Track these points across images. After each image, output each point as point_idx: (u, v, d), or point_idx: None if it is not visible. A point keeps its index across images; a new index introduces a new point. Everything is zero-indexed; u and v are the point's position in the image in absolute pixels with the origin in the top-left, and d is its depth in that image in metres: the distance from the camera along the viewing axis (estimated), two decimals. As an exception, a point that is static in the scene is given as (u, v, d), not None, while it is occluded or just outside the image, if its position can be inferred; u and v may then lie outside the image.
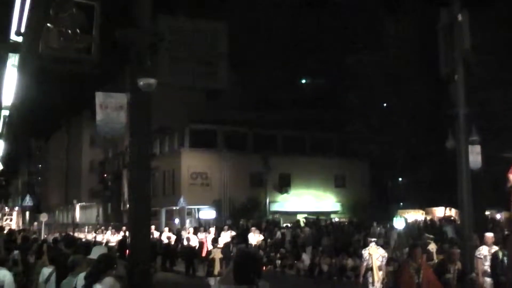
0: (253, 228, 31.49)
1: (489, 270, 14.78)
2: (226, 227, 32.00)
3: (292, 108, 50.63)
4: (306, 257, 29.18)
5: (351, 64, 40.63)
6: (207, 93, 50.85)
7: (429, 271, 10.89)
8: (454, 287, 11.77)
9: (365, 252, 16.31)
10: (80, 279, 8.21)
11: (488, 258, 15.26)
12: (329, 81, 54.66)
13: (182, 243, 33.34)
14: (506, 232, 21.82)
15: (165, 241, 33.46)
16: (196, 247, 30.36)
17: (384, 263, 16.34)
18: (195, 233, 32.30)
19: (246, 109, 49.09)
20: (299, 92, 57.41)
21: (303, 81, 62.84)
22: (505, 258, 14.35)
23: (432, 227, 30.35)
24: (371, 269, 15.94)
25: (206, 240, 29.47)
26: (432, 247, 18.86)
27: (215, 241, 26.03)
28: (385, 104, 43.54)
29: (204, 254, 28.69)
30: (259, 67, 51.54)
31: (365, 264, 16.17)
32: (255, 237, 30.37)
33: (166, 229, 37.90)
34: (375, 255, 16.03)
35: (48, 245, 17.27)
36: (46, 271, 10.91)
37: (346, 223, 38.32)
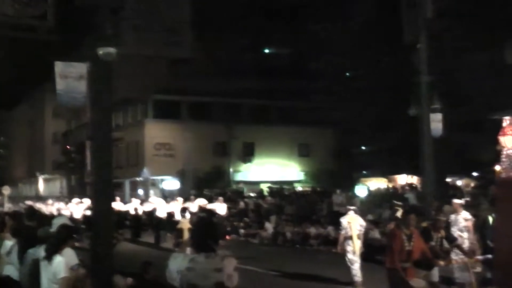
0: (219, 198, 31.30)
1: (454, 235, 14.96)
2: (192, 197, 31.87)
3: (257, 77, 50.48)
4: (269, 226, 29.34)
5: (315, 32, 40.55)
6: (172, 62, 50.46)
7: (420, 239, 10.51)
8: (439, 255, 11.40)
9: (344, 221, 16.04)
10: (43, 250, 8.13)
11: (454, 224, 15.47)
12: (294, 50, 54.51)
13: (149, 214, 33.21)
14: (467, 198, 22.05)
15: (132, 212, 33.25)
16: (164, 218, 30.13)
17: (362, 232, 16.22)
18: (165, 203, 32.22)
19: (210, 78, 48.84)
20: (263, 61, 57.19)
21: (267, 50, 62.57)
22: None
23: (394, 194, 30.65)
24: (350, 237, 15.77)
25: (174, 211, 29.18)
26: (400, 214, 18.85)
27: (183, 211, 25.66)
28: (347, 74, 43.68)
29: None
30: (224, 36, 51.16)
31: (343, 232, 15.98)
32: (222, 207, 30.10)
33: (134, 199, 37.85)
34: (354, 223, 15.87)
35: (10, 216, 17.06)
36: (8, 243, 10.79)
37: (309, 192, 38.48)
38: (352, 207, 16.91)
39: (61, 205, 40.96)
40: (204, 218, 15.91)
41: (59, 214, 32.18)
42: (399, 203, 19.99)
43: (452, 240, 12.54)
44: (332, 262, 20.97)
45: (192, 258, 5.47)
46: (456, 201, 16.59)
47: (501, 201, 12.95)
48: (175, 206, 28.48)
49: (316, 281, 17.08)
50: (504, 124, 13.56)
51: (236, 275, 5.45)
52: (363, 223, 16.52)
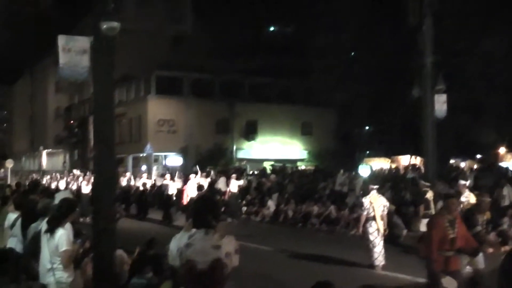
0: (233, 175, 30.64)
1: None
2: (204, 173, 31.99)
3: (260, 55, 50.28)
4: (271, 204, 29.34)
5: (319, 10, 40.36)
6: (174, 39, 50.34)
7: (463, 225, 9.51)
8: (485, 241, 10.32)
9: (366, 201, 15.34)
10: (45, 223, 8.17)
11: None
12: (297, 29, 54.29)
13: (157, 191, 33.21)
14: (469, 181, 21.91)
15: (141, 188, 33.13)
16: (173, 195, 30.05)
17: (385, 212, 15.42)
18: (172, 179, 32.34)
19: (213, 56, 48.67)
20: (266, 39, 57.01)
21: (271, 28, 62.37)
22: None
23: (397, 175, 30.69)
24: (374, 218, 15.05)
25: (185, 188, 28.99)
26: (430, 195, 17.44)
27: (199, 188, 24.80)
28: (352, 54, 43.53)
29: (184, 202, 27.44)
30: (226, 13, 50.95)
31: (365, 213, 15.22)
32: (235, 184, 29.45)
33: (145, 175, 38.07)
34: (376, 203, 15.16)
35: (12, 190, 17.15)
36: (12, 216, 10.84)
37: (312, 170, 38.52)
38: (374, 186, 15.95)
39: (67, 179, 41.30)
40: (203, 196, 15.66)
41: (65, 188, 32.32)
42: (427, 183, 18.33)
43: (497, 224, 11.52)
44: (333, 241, 21.07)
45: (191, 234, 5.48)
46: (461, 182, 16.40)
47: None
48: (189, 182, 27.88)
49: (320, 262, 16.48)
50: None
51: (236, 256, 5.44)
52: (386, 203, 15.64)
